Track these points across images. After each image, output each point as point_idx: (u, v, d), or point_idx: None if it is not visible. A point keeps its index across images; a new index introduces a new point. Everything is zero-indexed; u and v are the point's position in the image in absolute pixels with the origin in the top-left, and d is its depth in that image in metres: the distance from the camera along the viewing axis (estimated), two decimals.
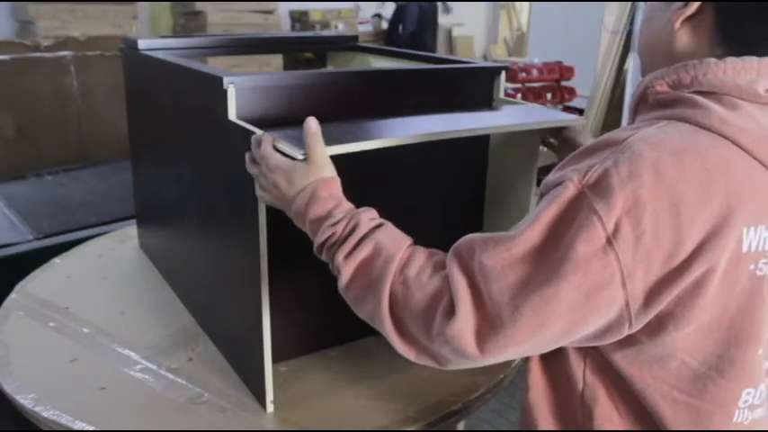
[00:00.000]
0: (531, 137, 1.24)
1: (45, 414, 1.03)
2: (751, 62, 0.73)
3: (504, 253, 0.71)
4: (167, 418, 1.04)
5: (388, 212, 1.26)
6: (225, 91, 0.99)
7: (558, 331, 0.69)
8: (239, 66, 4.35)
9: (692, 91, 0.74)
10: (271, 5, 5.44)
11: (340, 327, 1.26)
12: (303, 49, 2.07)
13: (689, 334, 0.70)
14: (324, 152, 0.87)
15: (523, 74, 2.74)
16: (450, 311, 0.72)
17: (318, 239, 0.83)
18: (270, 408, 1.05)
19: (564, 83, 2.88)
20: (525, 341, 0.70)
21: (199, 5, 5.22)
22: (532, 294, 0.68)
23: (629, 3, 2.76)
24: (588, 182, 0.69)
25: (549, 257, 0.68)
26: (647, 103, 0.79)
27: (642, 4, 2.75)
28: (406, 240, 0.83)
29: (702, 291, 0.68)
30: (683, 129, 0.71)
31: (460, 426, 1.56)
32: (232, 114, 1.00)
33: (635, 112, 0.83)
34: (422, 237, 1.32)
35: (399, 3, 6.22)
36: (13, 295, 1.43)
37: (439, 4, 8.45)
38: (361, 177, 1.21)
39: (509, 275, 0.70)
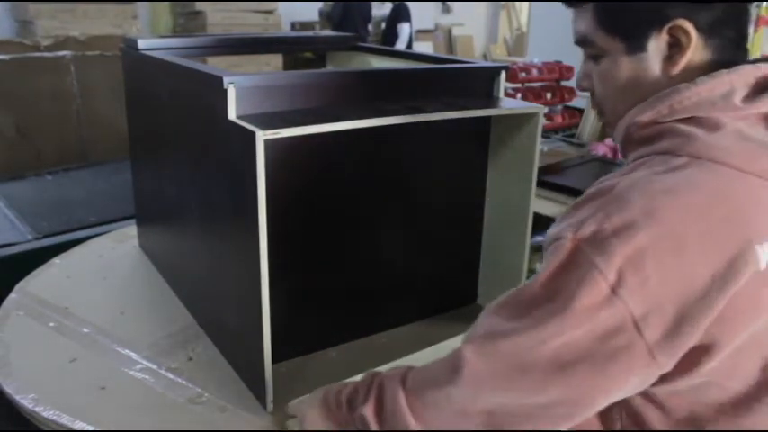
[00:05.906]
0: (531, 137, 1.24)
1: (45, 414, 1.03)
2: (720, 76, 0.72)
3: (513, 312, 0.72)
4: (167, 417, 1.04)
5: (391, 213, 1.27)
6: (225, 90, 0.99)
7: (585, 383, 0.68)
8: (239, 66, 4.35)
9: (673, 120, 0.74)
10: (271, 5, 5.45)
11: (339, 326, 1.26)
12: (303, 49, 2.07)
13: (721, 362, 0.68)
14: None
15: (523, 74, 2.73)
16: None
17: None
18: (270, 408, 1.05)
19: (564, 83, 2.87)
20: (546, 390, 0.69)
21: (199, 5, 5.22)
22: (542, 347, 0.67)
23: None
24: (583, 236, 0.68)
25: (552, 310, 0.68)
26: (633, 142, 0.79)
27: None
28: None
29: (728, 319, 0.66)
30: (671, 164, 0.70)
31: None
32: (232, 114, 1.00)
33: (624, 152, 0.82)
34: (423, 239, 1.32)
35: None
36: (12, 295, 1.42)
37: (440, 3, 8.46)
38: (365, 176, 1.22)
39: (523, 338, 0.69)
